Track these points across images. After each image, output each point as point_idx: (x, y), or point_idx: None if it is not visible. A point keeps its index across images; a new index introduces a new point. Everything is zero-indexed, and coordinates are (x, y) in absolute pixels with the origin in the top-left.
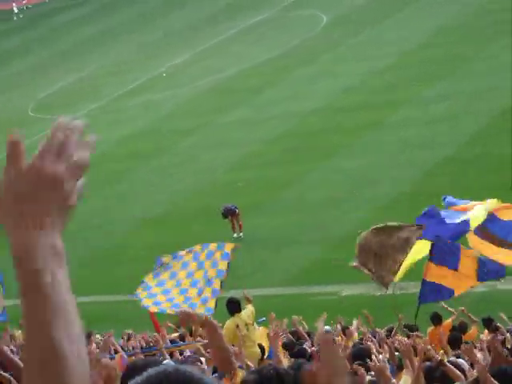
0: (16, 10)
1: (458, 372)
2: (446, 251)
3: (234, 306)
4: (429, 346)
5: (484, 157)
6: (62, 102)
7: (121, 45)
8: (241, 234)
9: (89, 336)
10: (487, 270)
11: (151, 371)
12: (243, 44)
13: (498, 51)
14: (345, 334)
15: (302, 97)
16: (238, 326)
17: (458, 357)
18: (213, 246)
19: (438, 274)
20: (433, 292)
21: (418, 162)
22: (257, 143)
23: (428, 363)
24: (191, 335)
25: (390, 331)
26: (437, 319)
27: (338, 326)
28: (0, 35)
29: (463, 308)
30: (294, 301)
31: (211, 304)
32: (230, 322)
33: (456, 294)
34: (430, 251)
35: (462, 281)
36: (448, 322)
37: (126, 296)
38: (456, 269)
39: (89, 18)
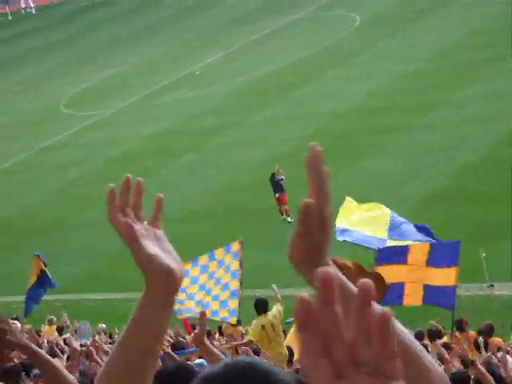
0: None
1: (488, 375)
2: (391, 252)
3: (260, 306)
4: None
5: None
6: (93, 99)
7: (154, 43)
8: (288, 218)
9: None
10: (439, 256)
11: (228, 361)
12: (276, 43)
13: None
14: None
15: (333, 97)
16: (263, 327)
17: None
18: (219, 252)
19: (388, 273)
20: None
21: (449, 163)
22: (288, 142)
23: (457, 369)
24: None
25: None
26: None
27: None
28: (34, 31)
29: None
30: None
31: (233, 305)
32: (256, 323)
33: (406, 288)
34: (375, 259)
35: (413, 272)
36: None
37: None
38: (405, 263)
39: (124, 16)
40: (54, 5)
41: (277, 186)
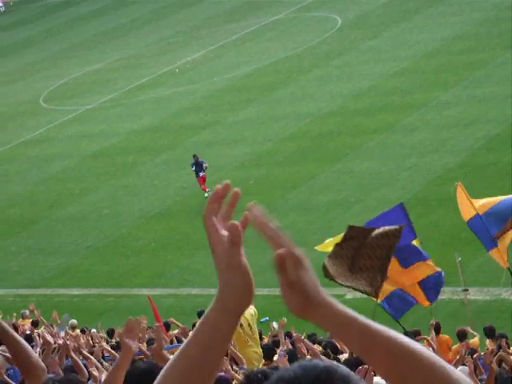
0: None
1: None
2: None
3: None
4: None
5: (496, 163)
6: (74, 93)
7: (136, 39)
8: (206, 194)
9: (83, 331)
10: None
11: (305, 364)
12: (258, 43)
13: None
14: None
15: (314, 97)
16: (241, 326)
17: None
18: None
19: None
20: (400, 302)
21: (429, 166)
22: (268, 142)
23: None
24: None
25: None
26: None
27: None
28: (16, 24)
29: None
30: None
31: None
32: None
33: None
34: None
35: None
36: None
37: (128, 289)
38: (407, 266)
39: (106, 11)
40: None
41: (200, 167)
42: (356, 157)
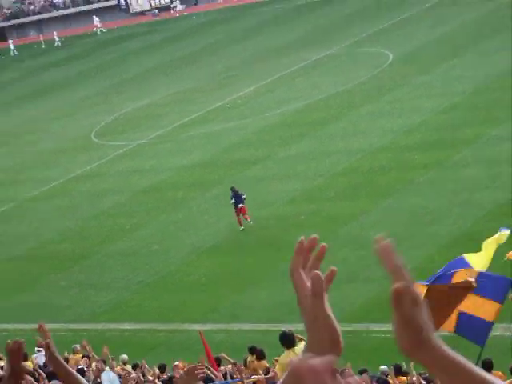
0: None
1: None
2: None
3: (289, 340)
4: None
5: None
6: (125, 128)
7: (188, 74)
8: (250, 222)
9: (135, 366)
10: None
11: None
12: (309, 78)
13: None
14: (398, 375)
15: (366, 133)
16: None
17: None
18: None
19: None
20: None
21: (480, 202)
22: (320, 177)
23: None
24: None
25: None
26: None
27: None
28: (69, 59)
29: None
30: (350, 338)
31: None
32: (284, 357)
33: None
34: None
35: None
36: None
37: (179, 324)
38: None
39: (157, 46)
40: (87, 35)
41: (240, 198)
42: (407, 192)
